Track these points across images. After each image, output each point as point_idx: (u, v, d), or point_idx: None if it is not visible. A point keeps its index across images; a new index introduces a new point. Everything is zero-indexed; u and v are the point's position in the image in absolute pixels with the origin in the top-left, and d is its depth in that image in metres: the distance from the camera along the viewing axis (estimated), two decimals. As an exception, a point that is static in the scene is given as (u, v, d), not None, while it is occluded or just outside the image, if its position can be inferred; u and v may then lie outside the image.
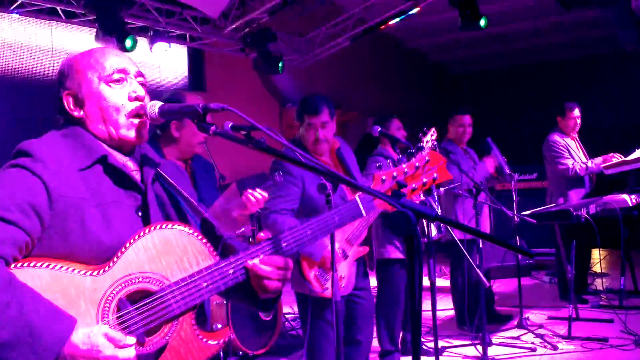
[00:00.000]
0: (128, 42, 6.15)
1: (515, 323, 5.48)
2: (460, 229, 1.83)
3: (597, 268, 7.18)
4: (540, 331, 5.28)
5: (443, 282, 7.38)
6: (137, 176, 1.66)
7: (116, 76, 1.64)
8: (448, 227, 4.71)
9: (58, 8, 6.27)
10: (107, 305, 1.47)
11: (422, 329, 4.95)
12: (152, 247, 1.53)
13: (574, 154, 6.09)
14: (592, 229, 5.02)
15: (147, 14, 7.00)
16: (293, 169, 3.22)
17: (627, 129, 10.82)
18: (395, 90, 11.68)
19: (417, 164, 1.76)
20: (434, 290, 3.88)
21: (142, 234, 1.54)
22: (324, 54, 9.18)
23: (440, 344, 4.83)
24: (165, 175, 1.72)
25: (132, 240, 1.53)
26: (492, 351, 4.74)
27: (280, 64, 7.94)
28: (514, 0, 9.79)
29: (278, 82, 9.21)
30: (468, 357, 4.75)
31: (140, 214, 1.62)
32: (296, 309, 6.15)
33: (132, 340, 1.44)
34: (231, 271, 1.56)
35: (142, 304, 1.50)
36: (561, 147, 6.08)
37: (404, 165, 1.77)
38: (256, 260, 1.58)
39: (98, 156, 1.59)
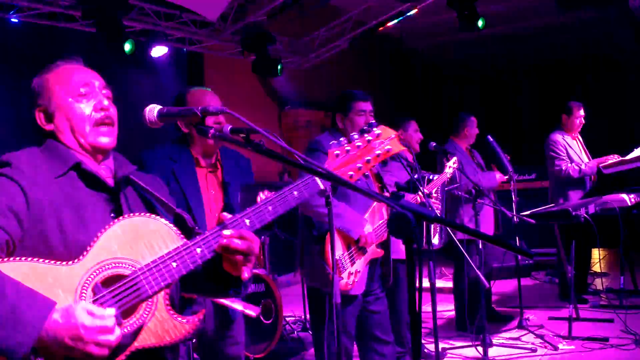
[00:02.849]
0: (127, 46, 6.16)
1: (516, 324, 5.48)
2: (459, 230, 1.84)
3: (596, 268, 7.17)
4: (541, 331, 5.28)
5: (443, 283, 7.39)
6: (110, 181, 1.77)
7: (82, 90, 1.76)
8: (448, 228, 4.71)
9: (58, 12, 6.28)
10: (84, 291, 1.55)
11: (423, 330, 4.95)
12: (122, 234, 1.61)
13: (573, 154, 6.10)
14: (592, 228, 5.03)
15: (146, 17, 7.01)
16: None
17: (624, 129, 10.84)
18: (394, 91, 11.69)
19: (368, 138, 1.85)
20: (434, 291, 3.88)
21: (111, 224, 1.62)
22: (323, 56, 9.19)
23: (441, 345, 4.83)
24: (138, 181, 1.82)
25: (102, 230, 1.61)
26: (492, 352, 4.74)
27: (279, 67, 7.94)
28: (512, 1, 9.80)
29: (277, 84, 9.22)
30: (469, 359, 4.75)
31: (113, 215, 1.72)
32: (297, 313, 6.17)
33: (111, 311, 1.50)
34: (199, 250, 1.62)
35: (115, 286, 1.56)
36: (560, 147, 6.09)
37: (356, 142, 1.85)
38: (226, 232, 1.64)
39: (72, 163, 1.71)
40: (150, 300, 1.59)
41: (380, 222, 3.42)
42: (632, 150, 5.81)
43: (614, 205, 5.32)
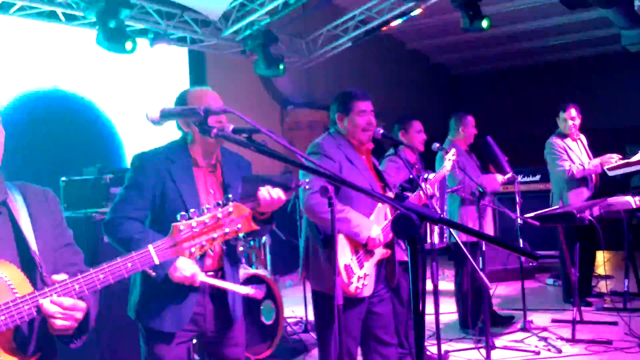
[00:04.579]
0: (129, 45, 6.13)
1: (519, 326, 5.45)
2: (463, 231, 1.81)
3: (601, 270, 7.16)
4: (544, 334, 5.25)
5: (446, 285, 7.36)
6: None
7: None
8: (451, 230, 4.68)
9: (58, 11, 6.26)
10: None
11: (425, 332, 4.92)
12: None
13: (573, 156, 6.06)
14: (596, 231, 4.99)
15: (147, 16, 7.00)
16: (332, 154, 3.31)
17: (630, 129, 10.81)
18: (397, 91, 11.67)
19: (218, 215, 1.83)
20: (437, 293, 3.85)
21: None
22: (325, 56, 9.17)
23: (444, 348, 4.80)
24: (13, 210, 1.86)
25: None
26: (495, 355, 4.71)
27: (281, 66, 7.92)
28: (517, 1, 9.78)
29: (279, 84, 9.20)
30: (471, 361, 4.73)
31: None
32: (298, 313, 6.14)
33: None
34: (26, 307, 1.70)
35: None
36: (559, 149, 6.06)
37: (204, 217, 1.83)
38: (46, 300, 1.71)
39: None
40: None
41: (386, 222, 3.39)
42: (637, 152, 5.77)
43: (618, 207, 5.29)
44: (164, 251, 1.82)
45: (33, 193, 1.95)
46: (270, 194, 2.51)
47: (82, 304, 1.77)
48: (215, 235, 1.83)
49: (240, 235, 1.99)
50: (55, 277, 1.76)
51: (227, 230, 1.84)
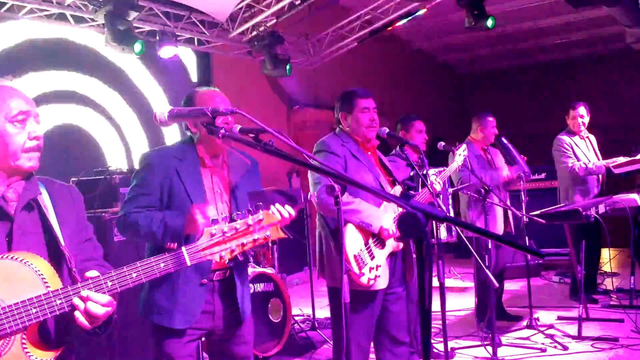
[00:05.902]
0: (137, 47, 6.17)
1: (525, 323, 5.47)
2: (469, 229, 1.84)
3: (607, 268, 7.15)
4: (550, 331, 5.26)
5: (453, 282, 7.38)
6: (12, 206, 1.90)
7: (20, 117, 1.89)
8: (457, 227, 4.70)
9: (67, 13, 6.31)
10: None
11: (431, 330, 4.94)
12: None
13: (579, 153, 6.07)
14: (602, 228, 4.99)
15: (155, 18, 7.04)
16: (336, 150, 3.36)
17: (635, 127, 10.78)
18: (403, 91, 11.68)
19: (249, 222, 1.91)
20: (443, 291, 3.87)
21: None
22: (331, 56, 9.19)
23: (450, 345, 4.82)
24: (43, 206, 1.93)
25: None
26: (502, 352, 4.73)
27: (287, 67, 7.95)
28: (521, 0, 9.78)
29: (285, 84, 9.23)
30: (478, 358, 4.74)
31: (7, 239, 1.85)
32: (306, 311, 6.18)
33: None
34: (58, 302, 1.76)
35: None
36: (565, 146, 6.09)
37: (235, 223, 1.92)
38: (91, 304, 1.77)
39: None
40: (8, 337, 1.73)
41: (394, 215, 3.41)
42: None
43: (624, 205, 5.30)
44: (196, 253, 1.89)
45: (58, 189, 2.01)
46: (281, 213, 2.44)
47: (114, 300, 1.84)
48: (245, 240, 1.91)
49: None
50: (88, 274, 1.82)
51: (256, 236, 1.92)
